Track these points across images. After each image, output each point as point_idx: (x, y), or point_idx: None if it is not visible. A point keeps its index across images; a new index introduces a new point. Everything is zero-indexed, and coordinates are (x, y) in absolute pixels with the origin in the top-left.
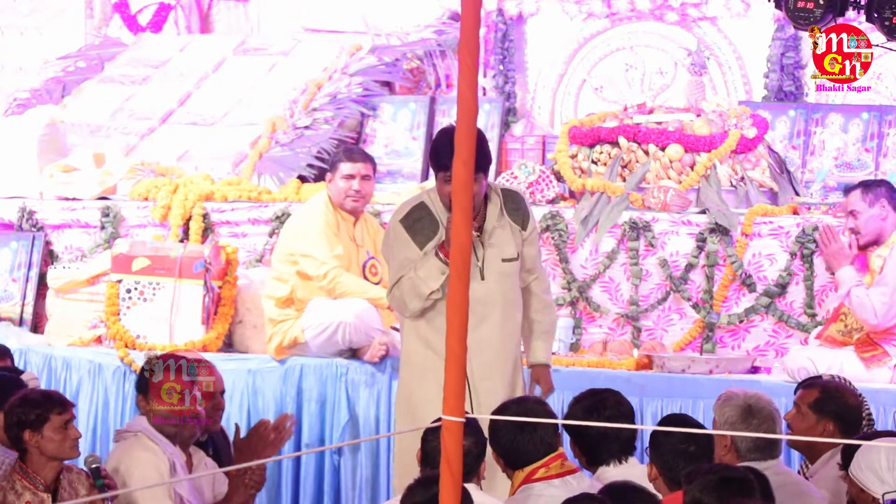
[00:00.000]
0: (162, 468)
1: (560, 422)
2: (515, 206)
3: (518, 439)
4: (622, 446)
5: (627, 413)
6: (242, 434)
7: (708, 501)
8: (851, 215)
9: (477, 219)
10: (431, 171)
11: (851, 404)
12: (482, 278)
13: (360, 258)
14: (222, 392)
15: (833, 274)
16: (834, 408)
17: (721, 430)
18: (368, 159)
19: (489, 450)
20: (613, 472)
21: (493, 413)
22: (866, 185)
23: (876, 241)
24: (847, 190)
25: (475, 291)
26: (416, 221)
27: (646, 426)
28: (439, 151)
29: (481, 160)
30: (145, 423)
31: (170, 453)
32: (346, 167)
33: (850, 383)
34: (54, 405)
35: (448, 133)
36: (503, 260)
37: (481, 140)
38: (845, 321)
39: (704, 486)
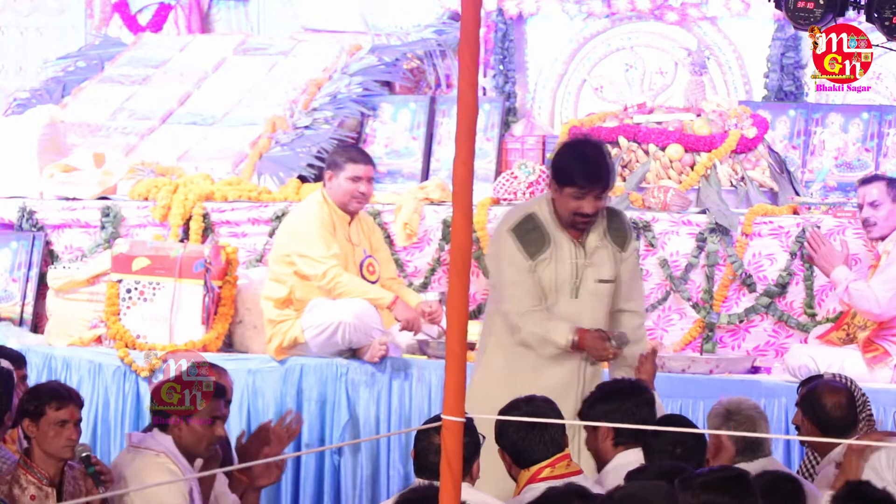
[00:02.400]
0: (184, 492)
1: (567, 422)
2: (618, 226)
3: (529, 438)
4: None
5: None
6: (244, 440)
7: (709, 501)
8: (871, 206)
9: (578, 236)
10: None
11: (826, 404)
12: (576, 296)
13: (357, 257)
14: (228, 401)
15: (828, 277)
16: (809, 405)
17: (711, 436)
18: (372, 161)
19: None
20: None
21: (502, 412)
22: (889, 180)
23: (884, 237)
24: (865, 181)
25: (566, 309)
26: (527, 232)
27: (641, 426)
28: (571, 167)
29: (614, 181)
30: (170, 444)
31: (190, 480)
32: (353, 169)
33: (850, 383)
34: (52, 399)
35: (582, 150)
36: (598, 280)
37: (611, 158)
38: (847, 330)
39: (705, 486)
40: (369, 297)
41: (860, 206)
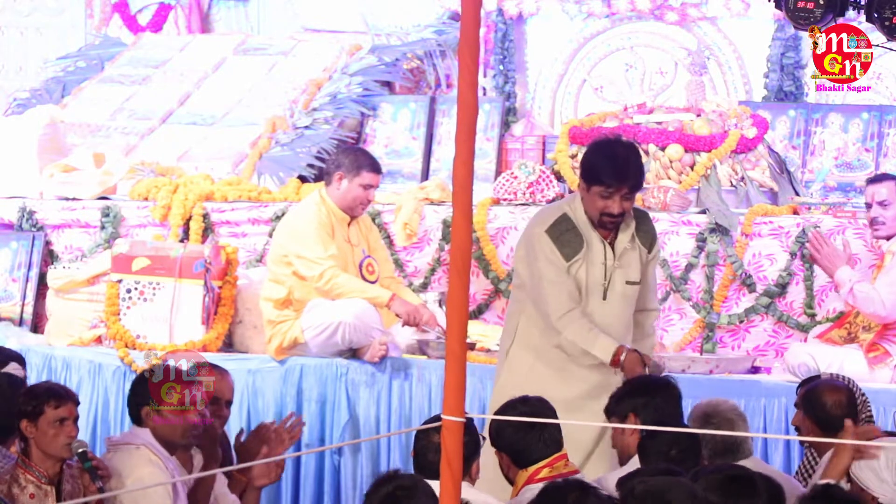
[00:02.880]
0: (167, 486)
1: (563, 422)
2: (646, 228)
3: (528, 437)
4: None
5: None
6: (243, 438)
7: (712, 500)
8: (880, 205)
9: (609, 237)
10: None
11: (826, 402)
12: (604, 298)
13: (357, 257)
14: (229, 402)
15: (831, 278)
16: (809, 404)
17: (708, 434)
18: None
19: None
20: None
21: (498, 412)
22: None
23: (890, 237)
24: (874, 180)
25: (596, 310)
26: (562, 233)
27: (638, 426)
28: (599, 166)
29: (641, 179)
30: (149, 437)
31: (171, 468)
32: (370, 177)
33: (851, 383)
34: (50, 398)
35: (613, 149)
36: (627, 282)
37: (641, 158)
38: (849, 329)
39: (709, 485)
40: (367, 297)
41: (868, 206)
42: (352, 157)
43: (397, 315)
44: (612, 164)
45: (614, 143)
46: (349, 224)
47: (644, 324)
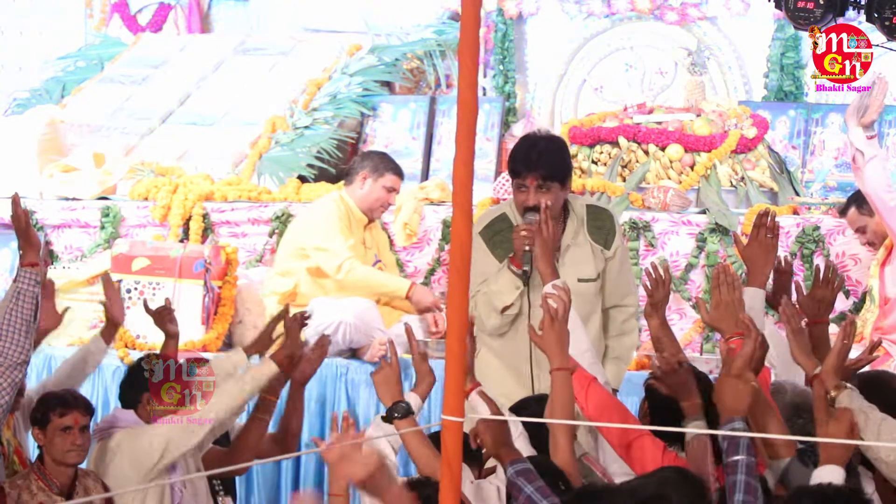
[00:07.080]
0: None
1: (574, 423)
2: (599, 224)
3: (538, 434)
4: None
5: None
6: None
7: None
8: (860, 232)
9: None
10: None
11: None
12: None
13: (369, 260)
14: None
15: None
16: (876, 392)
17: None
18: None
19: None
20: None
21: (512, 409)
22: (857, 201)
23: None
24: (843, 210)
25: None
26: (497, 233)
27: (657, 427)
28: (514, 157)
29: (558, 171)
30: (133, 417)
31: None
32: (392, 180)
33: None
34: (56, 406)
35: (527, 139)
36: (579, 280)
37: (563, 150)
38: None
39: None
40: (387, 289)
41: (856, 235)
42: (376, 159)
43: (416, 308)
44: (521, 151)
45: (533, 135)
46: (365, 227)
47: (616, 319)
